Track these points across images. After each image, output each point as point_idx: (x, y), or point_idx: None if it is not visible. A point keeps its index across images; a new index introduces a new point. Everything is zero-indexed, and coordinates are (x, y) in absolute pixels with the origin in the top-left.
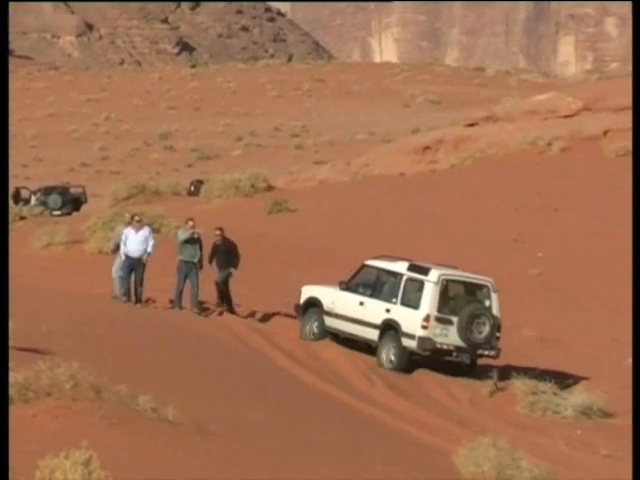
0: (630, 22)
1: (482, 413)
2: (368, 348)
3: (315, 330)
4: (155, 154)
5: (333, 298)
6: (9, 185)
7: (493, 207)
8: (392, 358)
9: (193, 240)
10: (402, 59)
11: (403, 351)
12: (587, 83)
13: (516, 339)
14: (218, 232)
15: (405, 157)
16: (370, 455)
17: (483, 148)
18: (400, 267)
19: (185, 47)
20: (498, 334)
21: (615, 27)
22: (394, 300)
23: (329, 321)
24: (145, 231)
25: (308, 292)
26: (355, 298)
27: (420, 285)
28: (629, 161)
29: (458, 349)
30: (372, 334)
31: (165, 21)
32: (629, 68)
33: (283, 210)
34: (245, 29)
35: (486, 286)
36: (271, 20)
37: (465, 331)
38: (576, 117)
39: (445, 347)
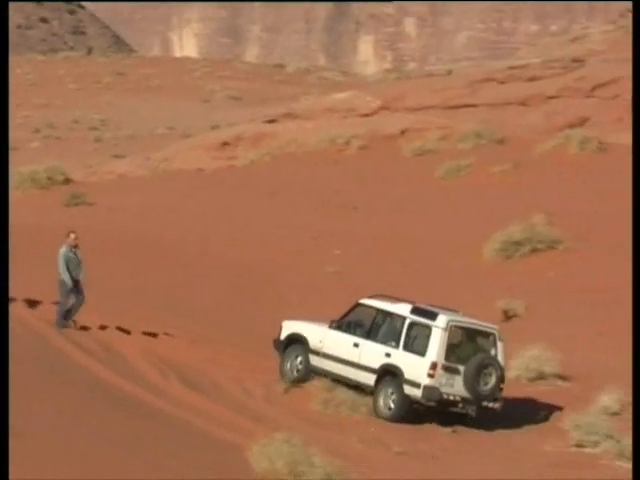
0: (428, 22)
1: (277, 409)
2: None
3: (298, 368)
4: None
5: (321, 336)
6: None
7: (291, 204)
8: (391, 405)
9: (75, 254)
10: (202, 54)
11: (405, 399)
12: (386, 82)
13: None
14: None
15: (204, 152)
16: (163, 451)
17: (282, 145)
18: (402, 309)
19: None
20: (502, 385)
21: (414, 27)
22: (393, 344)
23: (316, 360)
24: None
25: (291, 327)
26: (348, 338)
27: (426, 330)
28: (426, 160)
29: (464, 400)
30: (368, 378)
31: None
32: (427, 68)
33: (80, 203)
34: (44, 20)
35: (492, 334)
36: (71, 12)
37: (472, 381)
38: (375, 116)
39: (451, 398)
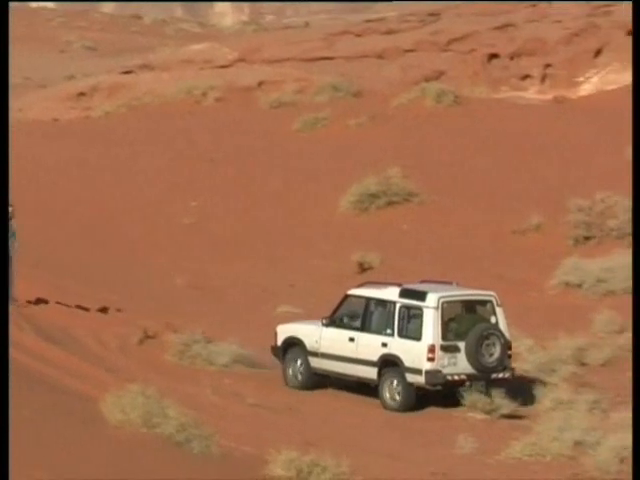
0: None
1: (131, 361)
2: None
3: (300, 373)
4: None
5: (317, 336)
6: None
7: (148, 155)
8: (397, 397)
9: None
10: (58, 4)
11: (409, 388)
12: (243, 34)
13: (169, 288)
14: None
15: (60, 103)
16: (16, 401)
17: (139, 96)
18: (391, 294)
19: None
20: (509, 352)
21: None
22: (389, 332)
23: (315, 362)
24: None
25: (285, 331)
26: (343, 334)
27: (418, 312)
28: (283, 112)
29: (470, 377)
30: (369, 372)
31: None
32: (284, 20)
33: None
34: None
35: (489, 301)
36: None
37: (475, 356)
38: (232, 68)
39: (456, 377)
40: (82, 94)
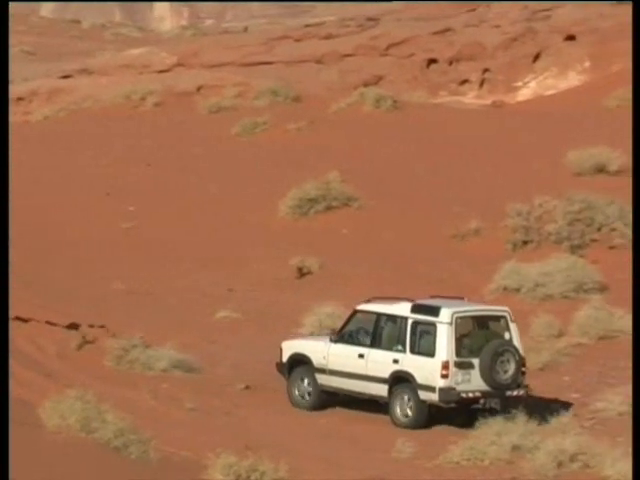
0: None
1: (70, 366)
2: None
3: (308, 391)
4: None
5: (324, 352)
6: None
7: (86, 160)
8: (409, 413)
9: None
10: None
11: (422, 405)
12: (182, 39)
13: (106, 292)
14: None
15: None
16: None
17: (77, 101)
18: (402, 309)
19: None
20: (524, 369)
21: None
22: (400, 348)
23: (323, 379)
24: None
25: (291, 348)
26: (352, 350)
27: (430, 328)
28: (222, 117)
29: (484, 394)
30: (380, 389)
31: None
32: (223, 25)
33: None
34: None
35: (503, 317)
36: None
37: (490, 373)
38: (170, 72)
39: (470, 395)
40: (21, 99)
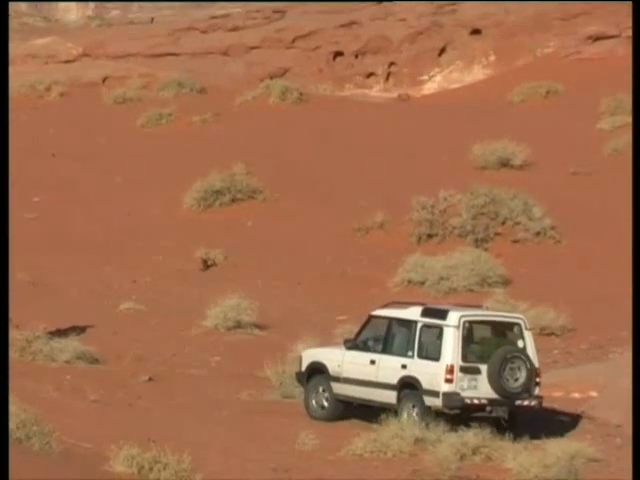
0: None
1: None
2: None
3: (324, 402)
4: None
5: (339, 360)
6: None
7: None
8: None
9: None
10: None
11: (427, 412)
12: (87, 29)
13: (10, 283)
14: None
15: None
16: None
17: None
18: (413, 314)
19: None
20: (538, 379)
21: None
22: (410, 353)
23: (337, 388)
24: None
25: (310, 356)
26: (365, 357)
27: (438, 332)
28: (127, 108)
29: (492, 402)
30: (389, 397)
31: None
32: (129, 15)
33: None
34: None
35: (517, 324)
36: None
37: (498, 380)
38: (76, 63)
39: (476, 402)
40: None
